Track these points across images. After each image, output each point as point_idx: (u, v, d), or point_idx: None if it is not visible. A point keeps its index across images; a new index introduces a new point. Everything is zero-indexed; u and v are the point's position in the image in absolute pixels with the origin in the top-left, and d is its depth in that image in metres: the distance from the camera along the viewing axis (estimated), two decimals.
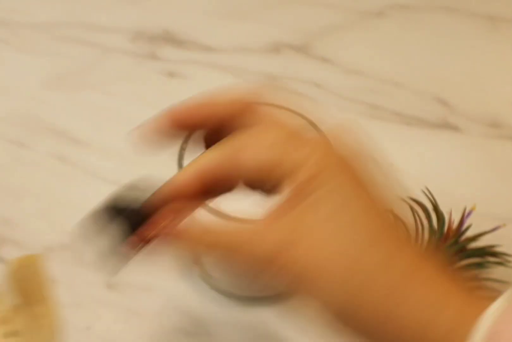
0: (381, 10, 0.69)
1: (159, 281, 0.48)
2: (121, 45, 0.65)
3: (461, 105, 0.60)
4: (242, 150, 0.27)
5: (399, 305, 0.24)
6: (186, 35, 0.66)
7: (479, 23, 0.68)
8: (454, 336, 0.24)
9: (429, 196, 0.47)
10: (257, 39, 0.66)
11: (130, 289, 0.47)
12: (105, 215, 0.27)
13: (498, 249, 0.46)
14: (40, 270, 0.45)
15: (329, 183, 0.25)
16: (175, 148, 0.41)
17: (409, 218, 0.48)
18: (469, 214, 0.46)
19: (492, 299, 0.24)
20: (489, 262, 0.46)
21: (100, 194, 0.53)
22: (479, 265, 0.45)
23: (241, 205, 0.40)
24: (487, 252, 0.46)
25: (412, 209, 0.47)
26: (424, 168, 0.54)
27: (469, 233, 0.46)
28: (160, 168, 0.55)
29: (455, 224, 0.46)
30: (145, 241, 0.27)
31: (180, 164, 0.40)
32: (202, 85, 0.62)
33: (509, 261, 0.46)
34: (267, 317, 0.46)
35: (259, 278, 0.26)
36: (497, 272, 0.46)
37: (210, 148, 0.29)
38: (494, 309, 0.24)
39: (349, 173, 0.26)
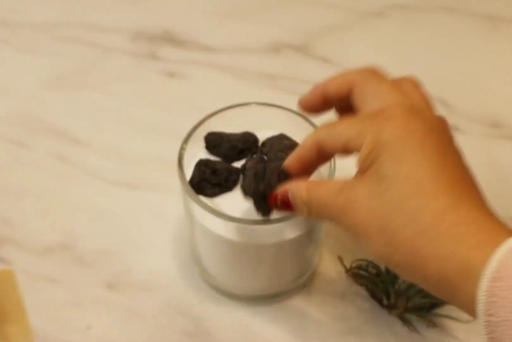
0: (381, 10, 0.69)
1: (159, 281, 0.48)
2: (121, 45, 0.65)
3: (461, 105, 0.60)
4: (336, 127, 0.33)
5: (427, 243, 0.29)
6: (186, 35, 0.66)
7: (479, 23, 0.68)
8: (468, 269, 0.27)
9: None
10: (257, 39, 0.66)
11: (130, 289, 0.47)
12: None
13: None
14: (12, 287, 0.44)
15: (381, 156, 0.30)
16: (175, 149, 0.41)
17: None
18: None
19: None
20: None
21: (100, 194, 0.54)
22: None
23: (240, 205, 0.40)
24: None
25: None
26: None
27: None
28: (160, 168, 0.56)
29: None
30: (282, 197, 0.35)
31: (180, 164, 0.40)
32: (202, 85, 0.62)
33: None
34: (267, 317, 0.46)
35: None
36: None
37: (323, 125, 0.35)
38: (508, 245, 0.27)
39: (408, 149, 0.30)
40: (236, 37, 0.66)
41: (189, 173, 0.41)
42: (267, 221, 0.38)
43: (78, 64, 0.64)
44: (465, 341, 0.45)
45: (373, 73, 0.35)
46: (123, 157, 0.56)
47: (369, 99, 0.34)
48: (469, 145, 0.58)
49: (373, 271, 0.46)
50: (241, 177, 0.41)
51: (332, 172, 0.40)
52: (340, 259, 0.46)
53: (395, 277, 0.45)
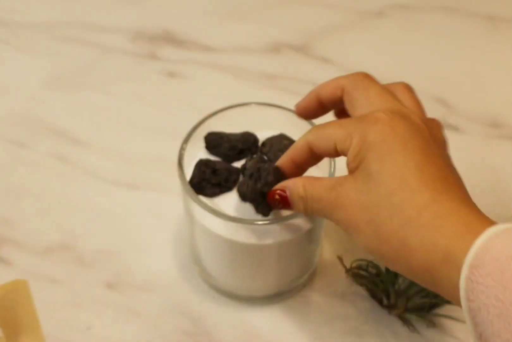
0: (381, 10, 0.69)
1: (159, 281, 0.48)
2: (121, 45, 0.65)
3: (461, 105, 0.60)
4: (325, 129, 0.35)
5: (411, 234, 0.30)
6: (186, 35, 0.66)
7: (479, 23, 0.68)
8: (450, 258, 0.29)
9: None
10: (257, 39, 0.66)
11: (130, 289, 0.47)
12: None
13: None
14: (26, 297, 0.44)
15: (367, 157, 0.32)
16: (175, 149, 0.41)
17: None
18: None
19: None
20: None
21: (100, 194, 0.54)
22: None
23: (240, 205, 0.40)
24: None
25: None
26: None
27: None
28: (160, 168, 0.56)
29: None
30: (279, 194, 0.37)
31: (180, 164, 0.40)
32: (202, 85, 0.62)
33: None
34: (267, 317, 0.46)
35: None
36: None
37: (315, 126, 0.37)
38: (491, 231, 0.28)
39: (393, 149, 0.32)
40: (236, 37, 0.66)
41: (189, 173, 0.41)
42: (266, 221, 0.38)
43: (78, 64, 0.64)
44: (465, 341, 0.45)
45: (364, 78, 0.37)
46: (123, 157, 0.56)
47: (358, 105, 0.36)
48: (469, 145, 0.58)
49: (373, 271, 0.46)
50: (241, 176, 0.41)
51: (332, 173, 0.40)
52: (340, 259, 0.46)
53: (395, 277, 0.45)
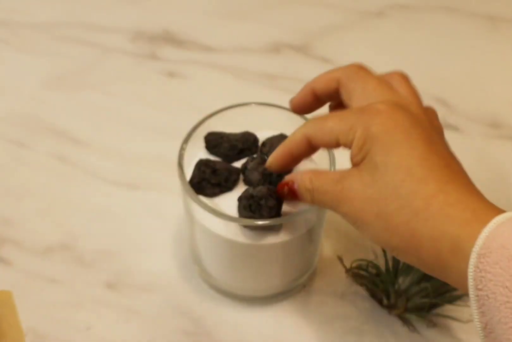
0: (381, 10, 0.69)
1: (159, 281, 0.48)
2: (121, 45, 0.65)
3: (461, 105, 0.60)
4: (325, 122, 0.35)
5: (420, 225, 0.30)
6: (186, 35, 0.66)
7: (479, 23, 0.68)
8: (458, 247, 0.29)
9: None
10: (257, 39, 0.66)
11: (130, 289, 0.47)
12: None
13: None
14: (10, 308, 0.44)
15: (372, 150, 0.32)
16: (175, 149, 0.41)
17: None
18: None
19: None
20: None
21: (100, 194, 0.54)
22: None
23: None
24: None
25: None
26: None
27: None
28: (160, 168, 0.56)
29: None
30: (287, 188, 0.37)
31: (180, 164, 0.40)
32: (202, 85, 0.62)
33: None
34: (267, 317, 0.46)
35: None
36: None
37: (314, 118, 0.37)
38: (498, 219, 0.29)
39: (396, 142, 0.32)
40: (236, 37, 0.66)
41: (189, 173, 0.41)
42: (267, 221, 0.38)
43: (78, 64, 0.64)
44: (465, 341, 0.45)
45: (359, 70, 0.37)
46: (123, 157, 0.56)
47: (355, 97, 0.35)
48: (469, 145, 0.58)
49: (373, 271, 0.46)
50: (241, 177, 0.41)
51: (333, 166, 0.40)
52: (340, 259, 0.46)
53: (395, 277, 0.45)
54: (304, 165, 0.41)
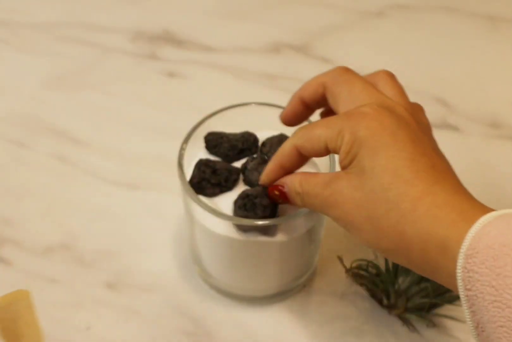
0: (381, 10, 0.69)
1: (159, 281, 0.48)
2: (121, 45, 0.65)
3: (461, 105, 0.60)
4: (313, 130, 0.35)
5: (408, 227, 0.31)
6: (186, 35, 0.66)
7: (479, 23, 0.68)
8: (446, 247, 0.29)
9: None
10: (257, 39, 0.66)
11: (130, 289, 0.47)
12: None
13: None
14: (28, 308, 0.44)
15: (359, 153, 0.32)
16: (175, 149, 0.41)
17: None
18: None
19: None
20: None
21: (100, 194, 0.54)
22: None
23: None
24: None
25: None
26: None
27: None
28: (160, 168, 0.56)
29: None
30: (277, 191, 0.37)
31: (180, 164, 0.40)
32: (202, 85, 0.62)
33: None
34: (267, 317, 0.46)
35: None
36: None
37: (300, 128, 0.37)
38: (485, 218, 0.29)
39: (384, 145, 0.32)
40: (236, 37, 0.66)
41: (189, 173, 0.41)
42: (267, 221, 0.38)
43: (78, 64, 0.64)
44: (465, 341, 0.45)
45: (343, 73, 0.36)
46: (123, 157, 0.56)
47: (341, 101, 0.35)
48: (469, 145, 0.58)
49: (373, 271, 0.46)
50: (241, 177, 0.41)
51: (333, 168, 0.40)
52: (340, 259, 0.46)
53: (395, 277, 0.45)
54: (303, 167, 0.41)
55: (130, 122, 0.59)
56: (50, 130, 0.58)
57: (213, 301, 0.47)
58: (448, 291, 0.44)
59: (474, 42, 0.67)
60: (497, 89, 0.62)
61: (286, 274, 0.45)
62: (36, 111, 0.59)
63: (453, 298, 0.44)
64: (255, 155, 0.42)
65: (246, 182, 0.41)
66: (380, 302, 0.46)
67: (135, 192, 0.53)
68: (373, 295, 0.46)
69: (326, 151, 0.34)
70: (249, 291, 0.47)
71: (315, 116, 0.40)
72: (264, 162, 0.40)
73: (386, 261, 0.45)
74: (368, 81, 0.36)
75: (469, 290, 0.28)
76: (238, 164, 0.42)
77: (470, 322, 0.29)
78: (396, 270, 0.45)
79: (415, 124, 0.34)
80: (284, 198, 0.37)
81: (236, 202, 0.39)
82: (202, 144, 0.43)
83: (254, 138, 0.43)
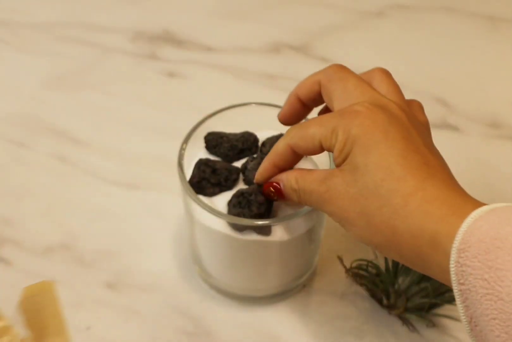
0: (381, 10, 0.69)
1: (159, 281, 0.48)
2: (121, 45, 0.65)
3: (461, 105, 0.60)
4: (307, 129, 0.35)
5: (400, 222, 0.31)
6: (186, 35, 0.66)
7: (479, 23, 0.68)
8: (437, 242, 0.30)
9: None
10: (257, 39, 0.66)
11: (130, 289, 0.47)
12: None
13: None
14: (52, 299, 0.44)
15: (352, 151, 0.33)
16: (175, 149, 0.41)
17: None
18: None
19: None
20: None
21: (100, 194, 0.54)
22: None
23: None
24: None
25: None
26: None
27: None
28: (160, 168, 0.56)
29: None
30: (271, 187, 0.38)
31: (180, 164, 0.40)
32: (202, 85, 0.62)
33: None
34: (267, 317, 0.46)
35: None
36: None
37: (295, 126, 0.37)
38: (476, 213, 0.29)
39: (380, 142, 0.32)
40: (236, 37, 0.66)
41: (189, 173, 0.41)
42: (266, 221, 0.38)
43: (78, 64, 0.64)
44: (465, 341, 0.45)
45: (338, 71, 0.37)
46: (123, 157, 0.56)
47: (336, 98, 0.36)
48: (469, 145, 0.58)
49: (373, 271, 0.46)
50: (241, 177, 0.41)
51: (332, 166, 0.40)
52: (340, 259, 0.46)
53: (395, 277, 0.45)
54: (302, 164, 0.41)
55: (130, 122, 0.59)
56: (50, 130, 0.58)
57: (213, 301, 0.47)
58: (448, 291, 0.44)
59: (474, 42, 0.67)
60: (497, 89, 0.62)
61: (286, 274, 0.45)
62: (36, 111, 0.59)
63: (453, 298, 0.44)
64: (255, 155, 0.42)
65: (246, 182, 0.41)
66: (380, 302, 0.46)
67: (135, 192, 0.53)
68: (373, 295, 0.46)
69: (320, 149, 0.35)
70: (249, 291, 0.47)
71: (314, 114, 0.40)
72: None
73: (386, 261, 0.45)
74: (363, 79, 0.36)
75: (462, 284, 0.28)
76: (238, 164, 0.42)
77: (464, 317, 0.29)
78: (396, 270, 0.45)
79: (407, 122, 0.34)
80: (280, 194, 0.37)
81: (230, 201, 0.39)
82: (202, 144, 0.43)
83: (254, 138, 0.43)
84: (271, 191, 0.37)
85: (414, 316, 0.44)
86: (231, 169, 0.41)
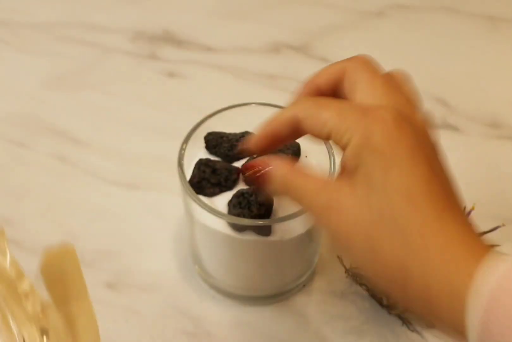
0: (381, 10, 0.69)
1: (159, 281, 0.48)
2: (121, 45, 0.65)
3: (461, 105, 0.60)
4: (321, 111, 0.31)
5: (412, 256, 0.28)
6: (186, 35, 0.66)
7: (479, 23, 0.68)
8: (452, 291, 0.27)
9: None
10: (257, 39, 0.66)
11: (130, 289, 0.47)
12: None
13: (498, 249, 0.46)
14: (74, 263, 0.43)
15: (369, 161, 0.29)
16: (175, 149, 0.41)
17: None
18: (468, 214, 0.46)
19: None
20: None
21: (100, 194, 0.54)
22: None
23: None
24: None
25: None
26: None
27: None
28: (160, 168, 0.56)
29: None
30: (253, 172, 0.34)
31: (180, 164, 0.40)
32: (202, 85, 0.62)
33: None
34: (267, 317, 0.46)
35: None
36: None
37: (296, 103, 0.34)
38: (493, 270, 0.26)
39: (400, 150, 0.29)
40: (236, 37, 0.66)
41: (189, 173, 0.41)
42: (267, 221, 0.38)
43: (78, 64, 0.64)
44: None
45: (366, 63, 0.33)
46: (123, 157, 0.56)
47: (359, 90, 0.32)
48: (469, 145, 0.58)
49: None
50: (241, 177, 0.41)
51: (332, 173, 0.40)
52: (340, 259, 0.46)
53: None
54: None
55: (130, 122, 0.59)
56: (50, 130, 0.58)
57: (213, 301, 0.47)
58: None
59: (474, 42, 0.67)
60: (497, 89, 0.62)
61: (286, 274, 0.45)
62: (36, 111, 0.59)
63: None
64: (255, 156, 0.42)
65: (247, 182, 0.41)
66: (380, 302, 0.46)
67: (135, 192, 0.53)
68: (373, 295, 0.46)
69: (326, 137, 0.31)
70: (249, 291, 0.47)
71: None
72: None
73: None
74: (392, 77, 0.33)
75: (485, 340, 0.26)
76: (238, 164, 0.42)
77: None
78: None
79: (431, 142, 0.31)
80: (262, 181, 0.33)
81: (231, 201, 0.39)
82: (202, 144, 0.43)
83: None
84: (254, 173, 0.33)
85: (414, 316, 0.44)
86: (231, 170, 0.41)
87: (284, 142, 0.34)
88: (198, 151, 0.43)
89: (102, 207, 0.52)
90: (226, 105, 0.43)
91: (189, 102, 0.60)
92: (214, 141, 0.42)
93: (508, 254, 0.28)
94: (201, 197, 0.40)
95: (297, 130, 0.32)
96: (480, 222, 0.47)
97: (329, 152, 0.40)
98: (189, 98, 0.61)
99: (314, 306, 0.47)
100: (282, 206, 0.40)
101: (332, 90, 0.34)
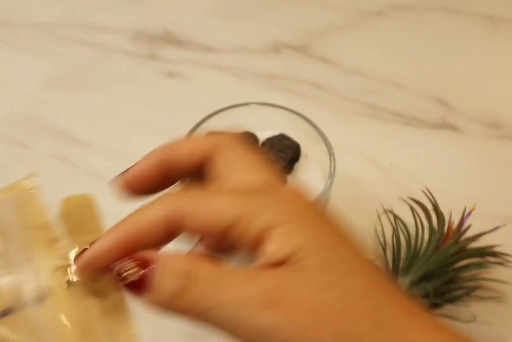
0: (381, 10, 0.69)
1: None
2: (121, 45, 0.65)
3: (461, 105, 0.60)
4: (209, 200, 0.25)
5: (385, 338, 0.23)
6: (186, 35, 0.66)
7: (479, 23, 0.68)
8: None
9: (429, 196, 0.47)
10: (257, 39, 0.66)
11: None
12: None
13: (498, 249, 0.46)
14: (93, 211, 0.42)
15: (316, 250, 0.24)
16: None
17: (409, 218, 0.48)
18: (469, 214, 0.46)
19: None
20: (489, 262, 0.46)
21: (100, 194, 0.53)
22: (479, 265, 0.45)
23: None
24: (487, 252, 0.46)
25: (412, 209, 0.47)
26: (424, 168, 0.54)
27: (469, 233, 0.46)
28: None
29: (455, 224, 0.46)
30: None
31: None
32: (202, 85, 0.62)
33: (509, 261, 0.46)
34: None
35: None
36: (496, 272, 0.46)
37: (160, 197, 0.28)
38: None
39: (326, 227, 0.25)
40: (236, 37, 0.66)
41: None
42: None
43: (78, 64, 0.64)
44: None
45: (237, 140, 0.29)
46: (123, 157, 0.56)
47: (238, 170, 0.28)
48: (469, 145, 0.58)
49: None
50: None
51: (332, 173, 0.40)
52: None
53: (395, 277, 0.45)
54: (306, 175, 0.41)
55: (130, 122, 0.59)
56: (50, 130, 0.58)
57: None
58: (448, 291, 0.44)
59: (474, 42, 0.67)
60: (497, 89, 0.62)
61: None
62: (36, 111, 0.59)
63: (453, 298, 0.44)
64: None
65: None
66: None
67: None
68: None
69: (221, 233, 0.25)
70: None
71: None
72: None
73: (386, 261, 0.45)
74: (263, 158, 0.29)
75: None
76: None
77: None
78: (396, 270, 0.45)
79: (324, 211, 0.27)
80: (141, 286, 0.25)
81: None
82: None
83: (254, 138, 0.43)
84: (127, 277, 0.25)
85: None
86: None
87: (147, 249, 0.26)
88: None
89: (102, 207, 0.52)
90: (226, 105, 0.43)
91: (189, 102, 0.60)
92: None
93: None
94: None
95: (172, 232, 0.26)
96: (480, 222, 0.47)
97: (329, 152, 0.40)
98: (189, 98, 0.61)
99: None
100: None
101: (188, 169, 0.29)
